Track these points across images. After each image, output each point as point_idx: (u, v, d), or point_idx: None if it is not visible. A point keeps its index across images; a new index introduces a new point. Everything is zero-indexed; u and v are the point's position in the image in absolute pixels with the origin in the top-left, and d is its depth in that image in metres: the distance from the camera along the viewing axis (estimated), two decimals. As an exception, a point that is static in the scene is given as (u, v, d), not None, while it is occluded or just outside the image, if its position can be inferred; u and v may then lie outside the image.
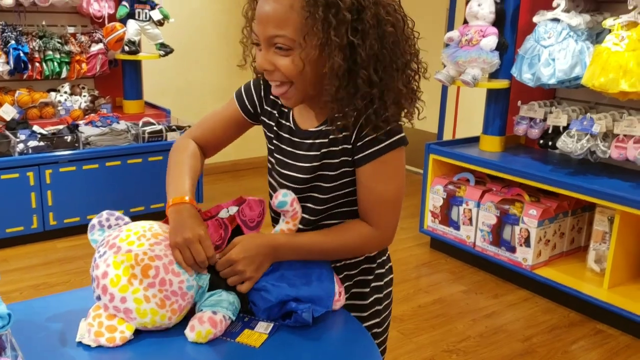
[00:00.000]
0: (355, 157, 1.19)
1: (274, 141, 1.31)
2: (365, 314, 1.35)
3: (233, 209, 1.21)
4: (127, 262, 1.07)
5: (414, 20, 1.19)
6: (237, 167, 5.30)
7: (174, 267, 1.09)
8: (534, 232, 3.09)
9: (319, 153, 1.22)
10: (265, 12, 1.09)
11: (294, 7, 1.06)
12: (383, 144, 1.17)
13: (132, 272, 1.06)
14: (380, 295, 1.37)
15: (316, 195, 1.25)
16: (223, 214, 1.21)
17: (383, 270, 1.37)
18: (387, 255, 1.40)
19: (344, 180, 1.23)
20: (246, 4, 1.19)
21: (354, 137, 1.18)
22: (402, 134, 1.20)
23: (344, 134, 1.18)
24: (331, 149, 1.21)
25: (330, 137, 1.20)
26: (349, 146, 1.19)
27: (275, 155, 1.31)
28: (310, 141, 1.23)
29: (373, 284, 1.35)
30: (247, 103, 1.34)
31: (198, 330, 1.07)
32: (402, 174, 1.23)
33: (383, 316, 1.39)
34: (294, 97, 1.18)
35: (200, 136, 1.38)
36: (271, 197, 1.31)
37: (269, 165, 1.35)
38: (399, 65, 1.14)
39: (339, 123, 1.15)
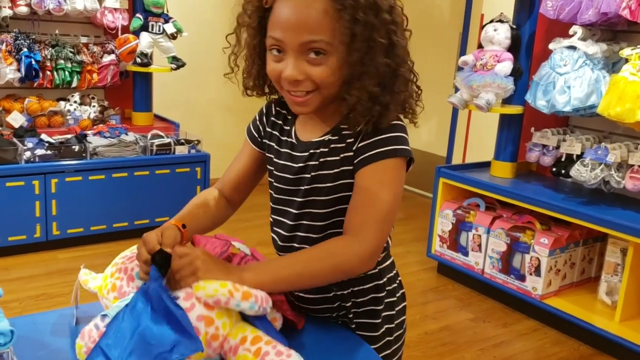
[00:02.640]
0: (356, 161, 1.13)
1: (274, 160, 1.27)
2: (376, 345, 1.25)
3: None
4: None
5: (427, 43, 1.21)
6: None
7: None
8: (544, 261, 3.03)
9: (317, 163, 1.18)
10: (296, 18, 1.05)
11: (328, 12, 1.04)
12: (387, 148, 1.11)
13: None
14: (392, 326, 1.30)
15: (313, 210, 1.20)
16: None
17: (394, 299, 1.30)
18: (398, 282, 1.33)
19: (342, 194, 1.16)
20: (245, 11, 1.14)
21: (357, 143, 1.14)
22: (408, 147, 1.15)
23: (347, 141, 1.14)
24: (329, 158, 1.16)
25: (332, 145, 1.15)
26: (351, 153, 1.14)
27: (275, 173, 1.27)
28: (311, 151, 1.19)
29: (384, 314, 1.27)
30: (256, 136, 1.32)
31: None
32: (400, 186, 1.14)
33: (394, 348, 1.31)
34: (315, 103, 1.13)
35: (225, 183, 1.35)
36: (272, 227, 1.30)
37: (270, 191, 1.30)
38: (410, 66, 1.15)
39: (353, 122, 1.13)
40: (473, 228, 3.37)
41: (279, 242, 1.28)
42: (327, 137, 1.17)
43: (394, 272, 1.33)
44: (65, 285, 3.19)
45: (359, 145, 1.13)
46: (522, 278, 3.15)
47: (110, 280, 1.13)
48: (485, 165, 3.66)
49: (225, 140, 5.15)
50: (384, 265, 1.28)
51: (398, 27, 1.10)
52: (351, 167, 1.14)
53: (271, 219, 1.30)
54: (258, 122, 1.32)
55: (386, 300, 1.28)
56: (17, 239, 3.50)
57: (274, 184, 1.27)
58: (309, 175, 1.19)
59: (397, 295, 1.32)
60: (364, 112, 1.10)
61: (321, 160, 1.17)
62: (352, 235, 1.10)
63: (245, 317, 1.02)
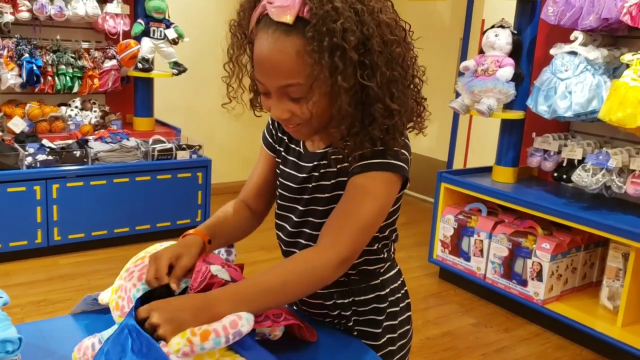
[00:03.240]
0: (350, 169, 1.10)
1: (281, 166, 1.28)
2: (378, 354, 1.23)
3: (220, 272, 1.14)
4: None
5: (428, 48, 1.17)
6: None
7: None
8: (546, 266, 3.03)
9: (318, 174, 1.18)
10: (270, 64, 1.03)
11: (299, 54, 1.00)
12: (382, 161, 1.08)
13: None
14: (394, 335, 1.29)
15: (313, 219, 1.20)
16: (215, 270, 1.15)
17: (397, 309, 1.29)
18: (402, 292, 1.32)
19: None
20: (234, 46, 1.12)
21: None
22: (406, 167, 1.11)
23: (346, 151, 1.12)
24: (328, 170, 1.17)
25: (332, 157, 1.14)
26: (346, 164, 1.12)
27: (280, 179, 1.28)
28: (315, 163, 1.19)
29: (385, 324, 1.27)
30: (270, 142, 1.32)
31: None
32: (387, 201, 1.11)
33: (397, 357, 1.30)
34: (308, 131, 1.13)
35: (247, 192, 1.35)
36: (276, 229, 1.30)
37: (277, 194, 1.31)
38: (409, 80, 1.09)
39: (346, 151, 1.09)
40: (475, 233, 3.37)
41: (283, 247, 1.30)
42: (329, 149, 1.16)
43: (399, 282, 1.32)
44: (67, 291, 3.19)
45: (356, 156, 1.11)
46: (524, 283, 3.15)
47: (114, 297, 1.13)
48: (487, 170, 3.66)
49: (227, 145, 5.16)
50: (386, 276, 1.28)
51: (378, 57, 1.02)
52: (346, 178, 1.12)
53: (275, 222, 1.31)
54: (270, 127, 1.32)
55: (388, 311, 1.27)
56: (18, 244, 3.50)
57: (278, 189, 1.28)
58: (310, 185, 1.20)
59: (401, 305, 1.31)
60: (355, 147, 1.08)
61: (322, 171, 1.18)
62: (326, 239, 1.07)
63: (231, 346, 0.97)
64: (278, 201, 1.29)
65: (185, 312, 0.94)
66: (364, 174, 1.08)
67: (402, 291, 1.32)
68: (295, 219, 1.24)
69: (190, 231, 1.21)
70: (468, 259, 3.44)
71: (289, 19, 0.99)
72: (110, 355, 0.91)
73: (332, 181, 1.16)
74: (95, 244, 3.75)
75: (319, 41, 0.98)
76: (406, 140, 1.13)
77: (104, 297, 1.18)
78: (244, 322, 0.93)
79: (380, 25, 1.02)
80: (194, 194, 4.07)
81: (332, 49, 0.98)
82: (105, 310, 1.18)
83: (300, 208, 1.22)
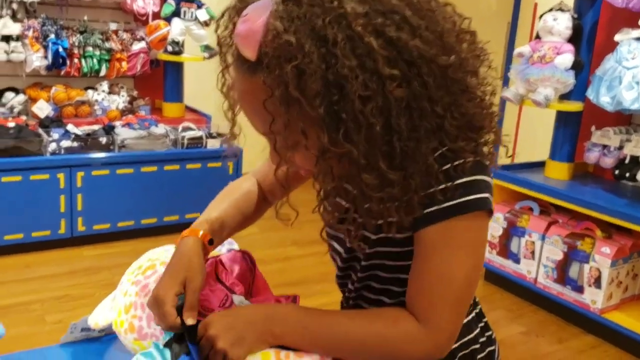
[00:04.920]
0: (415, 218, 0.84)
1: None
2: None
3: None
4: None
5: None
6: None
7: None
8: (606, 272, 2.78)
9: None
10: (243, 108, 0.84)
11: (271, 100, 0.76)
12: (458, 201, 0.83)
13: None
14: None
15: (379, 273, 0.96)
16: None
17: None
18: (490, 335, 1.06)
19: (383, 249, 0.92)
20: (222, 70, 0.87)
21: None
22: (484, 195, 0.85)
23: None
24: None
25: None
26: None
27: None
28: None
29: None
30: None
31: None
32: (480, 250, 0.88)
33: None
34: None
35: (268, 179, 1.10)
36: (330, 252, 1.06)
37: None
38: (463, 87, 0.83)
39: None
40: (526, 234, 3.12)
41: (338, 272, 1.06)
42: None
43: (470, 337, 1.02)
44: (90, 285, 3.03)
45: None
46: (579, 289, 2.90)
47: (126, 318, 0.94)
48: (538, 165, 3.40)
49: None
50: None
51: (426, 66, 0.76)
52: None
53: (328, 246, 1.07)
54: None
55: None
56: (40, 234, 3.35)
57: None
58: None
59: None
60: (377, 214, 0.83)
61: None
62: (420, 323, 0.86)
63: None
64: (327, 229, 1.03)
65: (246, 329, 0.84)
66: (438, 226, 0.83)
67: (490, 335, 1.06)
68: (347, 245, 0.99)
69: (186, 232, 0.98)
70: (517, 261, 3.19)
71: (249, 54, 0.76)
72: None
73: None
74: (120, 235, 3.58)
75: (271, 90, 0.75)
76: (482, 162, 0.86)
77: (100, 320, 0.98)
78: None
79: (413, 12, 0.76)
80: (224, 184, 3.80)
81: (286, 100, 0.74)
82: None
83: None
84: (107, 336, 1.07)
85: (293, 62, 0.71)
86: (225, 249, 1.11)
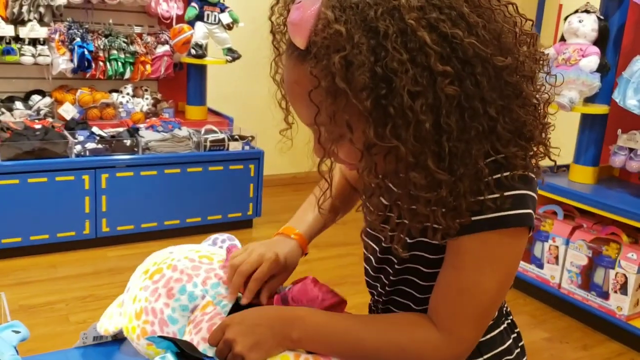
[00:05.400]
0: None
1: None
2: None
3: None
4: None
5: None
6: (297, 180, 5.06)
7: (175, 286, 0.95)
8: (632, 278, 2.73)
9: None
10: (290, 97, 0.84)
11: (317, 89, 0.75)
12: (500, 214, 0.79)
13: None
14: None
15: (413, 279, 0.94)
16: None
17: None
18: (522, 345, 1.03)
19: (419, 253, 0.90)
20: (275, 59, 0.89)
21: None
22: (529, 211, 0.81)
23: None
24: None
25: None
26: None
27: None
28: None
29: None
30: None
31: None
32: (511, 267, 0.84)
33: None
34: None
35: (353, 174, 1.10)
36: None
37: None
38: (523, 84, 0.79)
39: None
40: (550, 238, 3.08)
41: (371, 273, 1.04)
42: None
43: (502, 348, 0.99)
44: (114, 286, 3.05)
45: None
46: (604, 296, 2.85)
47: (137, 324, 0.93)
48: (563, 168, 3.35)
49: (281, 136, 4.96)
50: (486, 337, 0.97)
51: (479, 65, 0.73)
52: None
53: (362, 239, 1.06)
54: None
55: None
56: (65, 235, 3.38)
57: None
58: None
59: None
60: (423, 217, 0.80)
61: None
62: (440, 332, 0.84)
63: None
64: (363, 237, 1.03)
65: (263, 332, 0.85)
66: (471, 237, 0.81)
67: (519, 345, 1.02)
68: (378, 255, 0.98)
69: (294, 235, 1.05)
70: (541, 266, 3.15)
71: (299, 41, 0.75)
72: None
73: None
74: (144, 236, 3.61)
75: (317, 81, 0.74)
76: (526, 174, 0.82)
77: (110, 327, 0.98)
78: None
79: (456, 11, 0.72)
80: (245, 186, 3.90)
81: (333, 92, 0.73)
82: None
83: (383, 245, 0.96)
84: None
85: (341, 53, 0.70)
86: (225, 245, 1.09)
